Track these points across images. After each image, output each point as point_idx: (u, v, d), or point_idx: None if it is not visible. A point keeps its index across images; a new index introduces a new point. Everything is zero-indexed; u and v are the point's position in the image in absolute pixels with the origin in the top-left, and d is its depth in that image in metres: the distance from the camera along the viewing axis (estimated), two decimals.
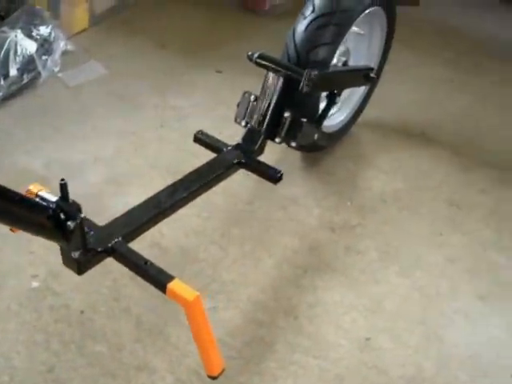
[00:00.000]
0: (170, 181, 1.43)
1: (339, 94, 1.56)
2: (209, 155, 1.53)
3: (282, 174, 1.39)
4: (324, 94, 1.58)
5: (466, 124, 2.13)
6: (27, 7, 2.11)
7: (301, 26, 1.47)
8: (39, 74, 2.08)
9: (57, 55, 2.22)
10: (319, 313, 1.44)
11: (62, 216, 0.97)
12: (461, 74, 2.39)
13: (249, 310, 1.45)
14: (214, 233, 1.63)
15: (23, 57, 2.00)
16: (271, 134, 1.45)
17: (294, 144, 1.44)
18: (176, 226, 1.64)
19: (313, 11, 1.46)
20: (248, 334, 1.39)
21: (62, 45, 2.24)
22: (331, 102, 1.55)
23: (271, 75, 1.40)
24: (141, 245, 1.57)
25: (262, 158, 1.63)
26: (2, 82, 1.99)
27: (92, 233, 1.16)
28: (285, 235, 1.63)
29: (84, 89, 2.16)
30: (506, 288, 1.53)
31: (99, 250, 1.15)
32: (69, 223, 0.96)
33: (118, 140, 1.93)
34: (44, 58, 2.10)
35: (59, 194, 1.01)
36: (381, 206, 1.74)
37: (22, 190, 1.07)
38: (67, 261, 1.12)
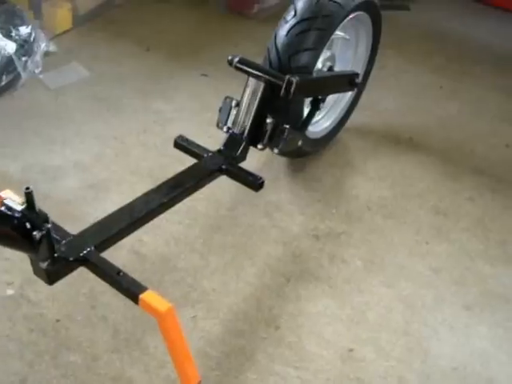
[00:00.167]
0: (151, 187, 1.39)
1: (323, 100, 1.53)
2: (193, 161, 1.49)
3: (263, 182, 1.35)
4: (308, 99, 1.55)
5: (455, 131, 2.11)
6: (7, 7, 2.06)
7: (282, 31, 1.44)
8: (19, 75, 2.03)
9: (38, 56, 2.17)
10: (301, 323, 1.41)
11: (28, 226, 0.93)
12: (450, 81, 2.38)
13: (229, 319, 1.41)
14: (196, 240, 1.59)
15: (1, 58, 1.94)
16: (253, 141, 1.42)
17: (276, 151, 1.41)
18: (157, 234, 1.60)
19: (294, 16, 1.43)
20: (228, 345, 1.35)
21: (43, 46, 2.19)
22: (315, 107, 1.52)
23: (252, 80, 1.37)
24: (120, 252, 1.55)
25: (246, 164, 1.61)
26: None
27: (64, 242, 1.13)
28: (268, 242, 1.60)
29: (65, 91, 2.12)
30: (492, 298, 1.51)
31: (71, 259, 1.12)
32: (34, 233, 0.93)
33: (98, 145, 1.89)
34: (24, 59, 2.05)
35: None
36: (366, 214, 1.71)
37: None
38: (37, 271, 1.08)
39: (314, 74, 1.50)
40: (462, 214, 1.74)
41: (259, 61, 1.57)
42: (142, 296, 1.05)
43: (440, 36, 2.72)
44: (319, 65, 1.55)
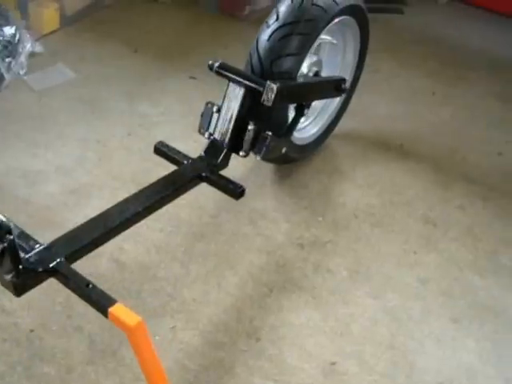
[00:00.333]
0: (133, 192, 1.34)
1: (308, 106, 1.49)
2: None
3: (243, 190, 1.31)
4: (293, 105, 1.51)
5: (447, 137, 2.07)
6: None
7: (264, 36, 1.40)
8: (2, 76, 1.99)
9: (22, 57, 2.12)
10: (283, 335, 1.37)
11: None
12: (443, 86, 2.33)
13: (209, 330, 1.37)
14: (177, 248, 1.55)
15: None
16: (235, 147, 1.38)
17: (258, 158, 1.37)
18: (137, 241, 1.56)
19: (277, 20, 1.39)
20: (207, 357, 1.31)
21: (28, 47, 2.15)
22: (299, 114, 1.48)
23: (232, 86, 1.33)
24: (99, 260, 1.51)
25: (232, 169, 1.57)
26: None
27: (33, 252, 1.09)
28: (251, 251, 1.55)
29: (50, 93, 2.07)
30: (481, 311, 1.46)
31: (39, 270, 1.07)
32: None
33: (81, 148, 1.84)
34: (8, 60, 2.00)
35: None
36: (353, 222, 1.66)
37: None
38: (3, 282, 1.04)
39: (299, 80, 1.46)
40: (452, 223, 1.70)
41: None
42: (110, 309, 1.01)
43: (434, 40, 2.67)
44: (305, 70, 1.51)
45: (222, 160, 1.36)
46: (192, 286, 1.45)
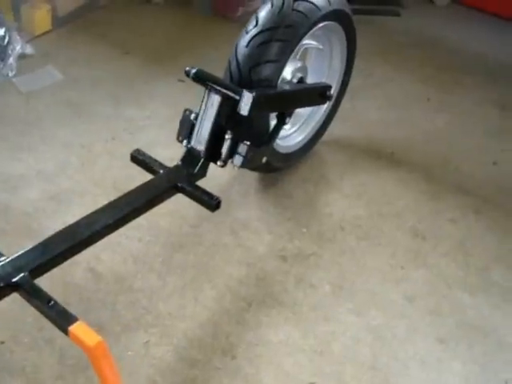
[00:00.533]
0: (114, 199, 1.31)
1: (290, 115, 1.43)
2: None
3: (219, 202, 1.26)
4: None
5: (440, 146, 1.99)
6: None
7: (243, 42, 1.35)
8: None
9: (11, 59, 2.10)
10: (260, 353, 1.31)
11: None
12: (439, 92, 2.25)
13: (183, 346, 1.32)
14: (155, 259, 1.50)
15: None
16: (213, 156, 1.33)
17: (236, 169, 1.32)
18: (115, 251, 1.52)
19: (256, 26, 1.34)
20: (179, 375, 1.26)
21: (18, 48, 2.12)
22: (280, 123, 1.42)
23: (209, 94, 1.28)
24: (75, 269, 1.47)
25: (215, 177, 1.52)
26: None
27: None
28: (231, 263, 1.50)
29: (38, 96, 2.04)
30: (469, 331, 1.40)
31: (2, 285, 1.04)
32: None
33: (64, 153, 1.80)
34: None
35: None
36: (339, 234, 1.60)
37: None
38: None
39: (282, 86, 1.40)
40: (442, 237, 1.62)
41: None
42: (71, 328, 0.97)
43: (431, 43, 2.58)
44: (288, 76, 1.45)
45: (199, 169, 1.32)
46: (168, 299, 1.40)
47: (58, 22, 2.41)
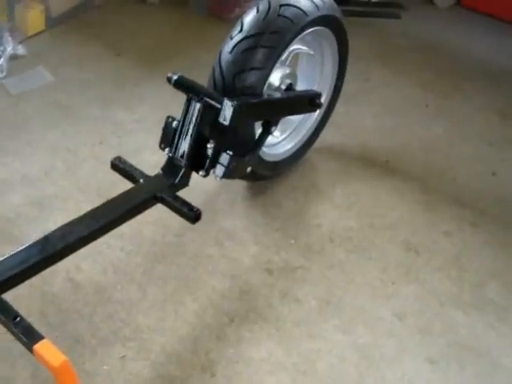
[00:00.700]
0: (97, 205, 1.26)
1: (275, 124, 1.38)
2: None
3: (199, 214, 1.21)
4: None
5: (437, 154, 1.91)
6: None
7: (227, 48, 1.30)
8: None
9: (2, 60, 2.07)
10: (240, 370, 1.26)
11: None
12: (438, 98, 2.17)
13: (161, 362, 1.27)
14: (136, 269, 1.46)
15: None
16: (195, 166, 1.27)
17: (218, 179, 1.26)
18: (96, 260, 1.47)
19: (240, 31, 1.28)
20: None
21: (9, 49, 2.09)
22: (266, 132, 1.37)
23: (190, 101, 1.22)
24: (54, 279, 1.42)
25: (202, 184, 1.47)
26: None
27: None
28: (214, 275, 1.45)
29: (26, 97, 2.00)
30: (461, 351, 1.33)
31: None
32: None
33: (50, 157, 1.76)
34: None
35: None
36: (328, 247, 1.54)
37: None
38: None
39: (269, 94, 1.34)
40: (436, 251, 1.56)
41: None
42: (35, 347, 0.94)
43: (431, 47, 2.50)
44: (276, 82, 1.39)
45: (180, 179, 1.26)
46: (147, 312, 1.35)
47: (52, 22, 2.37)
